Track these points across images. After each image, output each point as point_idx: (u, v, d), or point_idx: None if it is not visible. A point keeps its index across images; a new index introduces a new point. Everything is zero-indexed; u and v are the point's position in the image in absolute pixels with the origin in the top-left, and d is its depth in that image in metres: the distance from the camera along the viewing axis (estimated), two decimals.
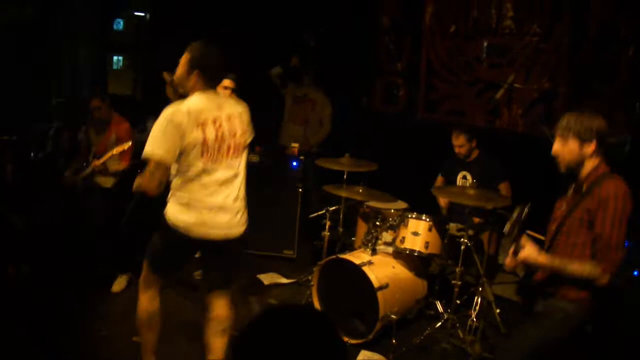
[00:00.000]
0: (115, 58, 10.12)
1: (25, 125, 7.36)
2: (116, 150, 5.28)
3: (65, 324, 4.84)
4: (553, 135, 3.36)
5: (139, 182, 3.38)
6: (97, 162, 5.38)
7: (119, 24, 9.83)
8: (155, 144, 3.33)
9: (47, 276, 5.66)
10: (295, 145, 6.73)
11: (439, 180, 6.08)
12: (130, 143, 5.24)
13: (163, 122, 3.34)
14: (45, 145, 7.12)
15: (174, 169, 3.49)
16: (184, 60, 3.57)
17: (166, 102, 3.80)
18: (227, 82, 5.35)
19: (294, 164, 6.64)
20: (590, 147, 3.17)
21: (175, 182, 3.55)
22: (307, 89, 7.26)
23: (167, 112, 3.37)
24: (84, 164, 5.67)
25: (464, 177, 5.77)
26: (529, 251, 3.17)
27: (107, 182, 5.65)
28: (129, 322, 4.43)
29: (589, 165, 3.22)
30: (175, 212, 3.55)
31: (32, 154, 7.01)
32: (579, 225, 3.19)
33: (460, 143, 5.67)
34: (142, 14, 9.85)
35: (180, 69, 3.58)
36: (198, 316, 5.07)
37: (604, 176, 3.17)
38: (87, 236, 5.64)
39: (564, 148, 3.24)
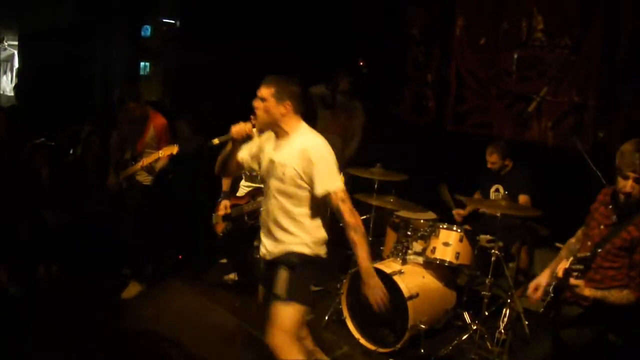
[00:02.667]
0: (142, 64, 10.21)
1: (58, 127, 7.48)
2: (163, 153, 5.31)
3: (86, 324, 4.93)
4: (585, 148, 3.42)
5: (354, 222, 3.42)
6: (146, 162, 5.40)
7: (147, 31, 9.91)
8: (337, 175, 3.50)
9: (73, 277, 5.74)
10: None
11: (477, 194, 6.10)
12: (177, 148, 5.26)
13: (329, 155, 3.52)
14: (77, 148, 7.22)
15: (304, 206, 3.57)
16: (268, 93, 3.51)
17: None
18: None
19: None
20: None
21: (314, 221, 3.62)
22: (342, 99, 7.27)
23: (324, 146, 3.55)
24: (126, 163, 5.72)
25: (497, 191, 5.78)
26: (580, 286, 3.15)
27: (147, 179, 5.70)
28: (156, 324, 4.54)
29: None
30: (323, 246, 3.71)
31: (65, 156, 7.13)
32: (618, 250, 3.24)
33: (493, 160, 5.70)
34: (172, 21, 9.93)
35: (270, 103, 3.51)
36: (228, 319, 5.16)
37: None
38: (120, 235, 5.71)
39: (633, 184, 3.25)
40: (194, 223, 6.22)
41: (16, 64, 10.64)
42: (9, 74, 10.74)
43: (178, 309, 5.40)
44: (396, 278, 4.77)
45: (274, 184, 3.57)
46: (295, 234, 3.58)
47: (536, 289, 3.50)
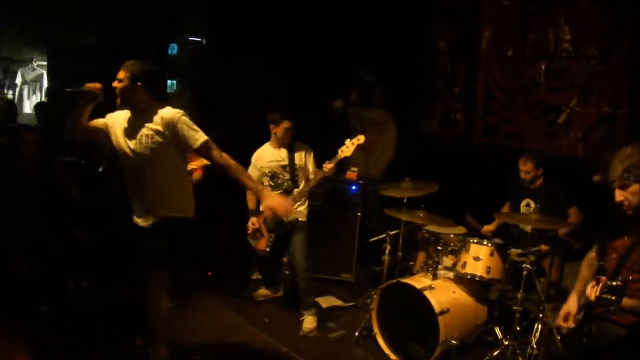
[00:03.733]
0: (169, 82, 10.28)
1: (88, 145, 7.54)
2: (196, 164, 5.36)
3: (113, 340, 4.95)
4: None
5: None
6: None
7: (174, 49, 9.99)
8: None
9: (102, 292, 5.77)
10: (355, 169, 6.75)
11: (506, 207, 6.05)
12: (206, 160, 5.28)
13: None
14: (101, 164, 7.28)
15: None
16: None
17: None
18: (287, 124, 5.58)
19: (353, 188, 6.66)
20: None
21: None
22: (375, 113, 7.28)
23: None
24: None
25: (527, 205, 5.72)
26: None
27: None
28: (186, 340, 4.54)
29: None
30: None
31: (92, 173, 7.18)
32: None
33: (527, 169, 5.64)
34: (198, 39, 10.00)
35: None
36: (257, 335, 5.16)
37: None
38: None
39: (627, 194, 3.24)
40: (224, 239, 6.22)
41: (45, 84, 10.78)
42: (38, 93, 10.89)
43: (207, 325, 5.40)
44: (427, 293, 4.73)
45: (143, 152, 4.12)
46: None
47: (566, 318, 3.49)
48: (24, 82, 10.89)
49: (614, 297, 3.01)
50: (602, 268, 3.40)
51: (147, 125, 4.07)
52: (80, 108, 4.10)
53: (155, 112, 4.09)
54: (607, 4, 6.11)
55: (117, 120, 4.24)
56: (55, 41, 9.60)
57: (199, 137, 4.06)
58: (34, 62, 10.77)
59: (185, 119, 4.08)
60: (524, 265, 4.82)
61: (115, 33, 9.30)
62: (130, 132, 4.13)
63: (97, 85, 4.07)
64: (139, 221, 4.31)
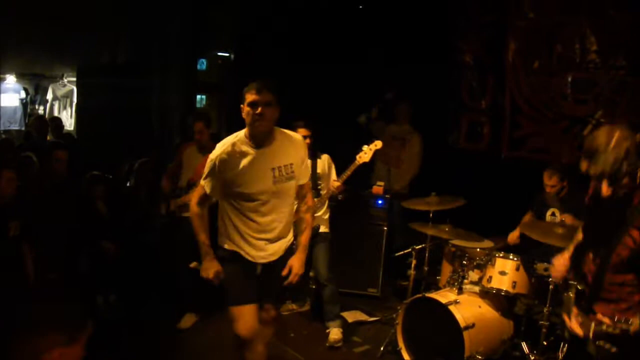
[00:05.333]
0: (198, 97, 10.37)
1: (116, 160, 7.66)
2: None
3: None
4: None
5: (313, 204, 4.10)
6: None
7: (202, 64, 10.08)
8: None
9: (130, 307, 5.82)
10: (381, 183, 6.75)
11: (528, 216, 5.99)
12: None
13: None
14: (129, 179, 7.37)
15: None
16: (272, 98, 3.70)
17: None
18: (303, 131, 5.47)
19: (379, 202, 6.66)
20: None
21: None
22: (398, 128, 7.31)
23: None
24: (180, 191, 5.78)
25: (553, 214, 5.68)
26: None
27: None
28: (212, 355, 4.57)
29: None
30: None
31: (122, 188, 7.28)
32: (627, 262, 2.95)
33: (552, 183, 5.61)
34: (227, 54, 10.09)
35: (274, 108, 3.72)
36: (282, 350, 5.17)
37: None
38: (176, 265, 5.76)
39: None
40: None
41: (75, 100, 10.94)
42: (68, 109, 11.03)
43: (232, 340, 5.41)
44: (452, 308, 4.71)
45: (284, 185, 3.78)
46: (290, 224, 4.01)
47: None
48: (54, 98, 11.04)
49: (614, 349, 2.78)
50: (580, 273, 3.24)
51: (280, 154, 3.77)
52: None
53: (282, 138, 3.83)
54: (635, 13, 6.05)
55: (225, 160, 3.77)
56: (85, 58, 9.74)
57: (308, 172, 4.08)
58: (64, 78, 10.92)
59: None
60: (550, 279, 4.78)
61: (144, 49, 9.42)
62: (262, 164, 3.72)
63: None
64: (260, 257, 3.90)
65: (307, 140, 5.45)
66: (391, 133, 7.29)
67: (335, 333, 5.44)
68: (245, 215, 3.78)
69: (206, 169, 3.82)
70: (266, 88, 3.61)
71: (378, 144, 5.35)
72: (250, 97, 3.59)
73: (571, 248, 3.49)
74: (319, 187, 5.57)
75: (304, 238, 3.97)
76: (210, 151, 5.68)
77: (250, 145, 3.70)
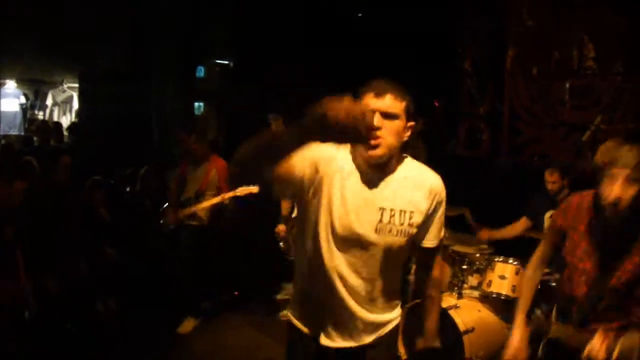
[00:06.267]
0: (197, 104, 10.40)
1: (116, 166, 7.68)
2: (241, 192, 5.33)
3: None
4: None
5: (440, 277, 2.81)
6: (225, 196, 5.47)
7: (201, 71, 10.11)
8: None
9: (130, 312, 5.83)
10: None
11: (522, 221, 6.00)
12: (257, 188, 5.05)
13: None
14: (135, 185, 7.39)
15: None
16: (401, 108, 2.38)
17: None
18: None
19: None
20: None
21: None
22: (412, 139, 7.25)
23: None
24: (188, 201, 5.81)
25: (552, 217, 5.69)
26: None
27: (205, 217, 5.77)
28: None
29: None
30: None
31: (123, 193, 7.30)
32: (626, 284, 2.70)
33: (554, 179, 5.63)
34: (225, 62, 10.11)
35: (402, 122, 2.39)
36: (282, 356, 5.16)
37: None
38: (177, 271, 5.78)
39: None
40: (250, 259, 6.28)
41: (75, 105, 10.98)
42: (68, 115, 11.08)
43: (233, 345, 5.44)
44: (452, 312, 4.73)
45: (391, 240, 2.43)
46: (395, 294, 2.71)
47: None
48: (54, 104, 11.09)
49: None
50: (570, 298, 2.91)
51: (406, 192, 2.45)
52: (293, 139, 2.10)
53: (412, 175, 2.50)
54: (630, 18, 6.10)
55: (335, 170, 2.42)
56: (86, 63, 9.78)
57: (441, 234, 2.64)
58: (64, 84, 10.97)
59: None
60: (551, 283, 4.80)
61: (144, 55, 9.47)
62: (368, 200, 2.42)
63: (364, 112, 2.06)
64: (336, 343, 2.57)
65: None
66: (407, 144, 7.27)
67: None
68: None
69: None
70: (393, 91, 2.39)
71: None
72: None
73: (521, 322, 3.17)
74: None
75: (431, 320, 2.94)
76: (201, 160, 5.77)
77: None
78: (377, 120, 2.25)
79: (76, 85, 10.87)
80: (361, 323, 2.53)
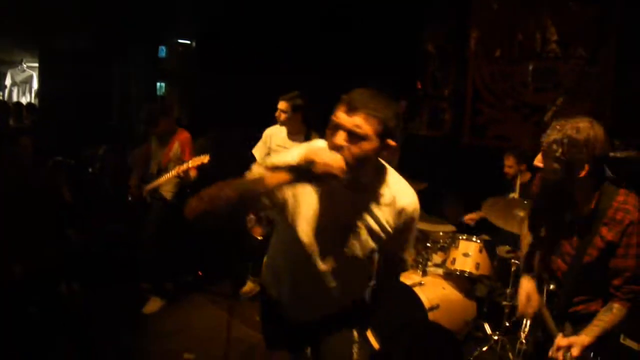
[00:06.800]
0: (158, 84, 10.32)
1: (77, 146, 7.59)
2: (192, 163, 5.22)
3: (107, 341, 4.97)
4: None
5: None
6: (179, 170, 5.27)
7: (163, 51, 10.02)
8: None
9: (94, 293, 5.78)
10: None
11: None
12: (208, 157, 5.17)
13: None
14: (95, 166, 7.31)
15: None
16: (371, 129, 2.27)
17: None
18: (282, 104, 5.29)
19: None
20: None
21: None
22: None
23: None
24: (151, 176, 5.74)
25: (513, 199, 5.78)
26: (577, 345, 2.76)
27: (169, 193, 5.70)
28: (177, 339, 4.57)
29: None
30: None
31: (83, 174, 7.22)
32: (598, 260, 2.83)
33: (509, 163, 5.74)
34: (187, 42, 10.04)
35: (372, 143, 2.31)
36: (248, 334, 5.18)
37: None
38: (142, 250, 5.74)
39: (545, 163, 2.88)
40: (214, 238, 6.25)
41: (35, 85, 10.79)
42: (27, 95, 10.88)
43: (198, 324, 5.43)
44: (417, 289, 4.78)
45: (353, 257, 2.54)
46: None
47: (529, 299, 3.12)
48: (13, 84, 10.89)
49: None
50: (551, 272, 3.08)
51: (375, 211, 2.49)
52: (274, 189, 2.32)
53: (386, 194, 2.51)
54: (595, 6, 6.18)
55: (308, 187, 2.50)
56: (46, 43, 9.62)
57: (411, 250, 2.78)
58: (23, 64, 10.77)
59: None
60: (513, 261, 4.88)
61: (106, 35, 9.34)
62: (340, 215, 2.50)
63: (339, 162, 2.18)
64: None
65: (282, 117, 5.29)
66: None
67: None
68: None
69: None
70: (364, 106, 2.25)
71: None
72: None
73: (527, 282, 3.21)
74: None
75: None
76: (166, 137, 5.69)
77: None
78: (339, 138, 2.24)
79: (36, 65, 10.69)
80: (325, 319, 2.75)
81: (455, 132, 7.69)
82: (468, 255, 5.08)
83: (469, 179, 6.68)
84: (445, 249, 5.34)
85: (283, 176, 2.16)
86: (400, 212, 2.49)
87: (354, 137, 2.22)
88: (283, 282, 2.75)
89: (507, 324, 4.96)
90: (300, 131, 5.35)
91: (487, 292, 5.50)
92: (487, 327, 5.17)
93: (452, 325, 4.86)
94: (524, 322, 4.94)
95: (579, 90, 6.33)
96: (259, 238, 5.53)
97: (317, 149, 2.23)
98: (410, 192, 2.55)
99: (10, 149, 5.76)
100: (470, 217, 6.03)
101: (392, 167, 2.57)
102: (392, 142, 2.33)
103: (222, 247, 6.20)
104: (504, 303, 4.91)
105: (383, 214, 2.48)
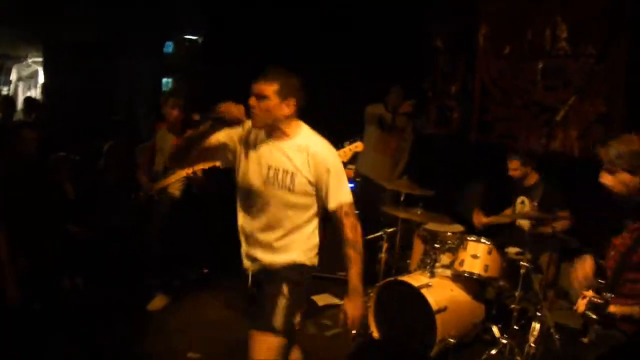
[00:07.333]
0: (164, 80, 10.28)
1: (82, 141, 7.54)
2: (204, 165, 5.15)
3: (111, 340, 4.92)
4: None
5: (354, 238, 3.20)
6: (190, 170, 5.23)
7: (169, 47, 9.98)
8: (347, 186, 3.30)
9: (98, 289, 5.76)
10: (352, 167, 6.71)
11: (508, 211, 6.01)
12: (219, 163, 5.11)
13: (341, 164, 3.29)
14: (99, 161, 7.27)
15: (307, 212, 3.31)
16: (271, 90, 3.07)
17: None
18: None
19: (350, 186, 6.61)
20: None
21: (312, 226, 3.35)
22: (403, 120, 7.13)
23: (335, 152, 3.32)
24: (157, 174, 5.69)
25: (522, 202, 5.70)
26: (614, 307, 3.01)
27: (177, 192, 5.64)
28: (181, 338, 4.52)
29: None
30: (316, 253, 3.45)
31: (88, 169, 7.17)
32: None
33: (514, 167, 5.64)
34: (194, 37, 9.99)
35: (272, 102, 3.08)
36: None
37: None
38: (147, 247, 5.69)
39: (613, 179, 3.14)
40: (220, 236, 6.20)
41: (40, 80, 10.76)
42: (33, 90, 10.86)
43: (203, 322, 5.40)
44: (424, 291, 4.72)
45: (276, 192, 3.17)
46: (296, 241, 3.30)
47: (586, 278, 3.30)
48: (19, 79, 10.87)
49: (594, 316, 2.99)
50: (602, 268, 3.29)
51: (289, 154, 3.20)
52: (203, 134, 3.17)
53: (299, 142, 3.22)
54: (605, 1, 6.10)
55: (245, 139, 3.32)
56: (51, 38, 9.58)
57: (341, 198, 3.22)
58: (28, 59, 10.74)
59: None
60: (522, 263, 4.81)
61: (111, 30, 9.29)
62: (262, 156, 3.25)
63: (240, 111, 3.07)
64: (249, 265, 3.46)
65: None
66: (398, 126, 7.16)
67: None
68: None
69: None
70: (264, 77, 3.12)
71: (359, 146, 5.21)
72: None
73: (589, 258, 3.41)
74: None
75: (352, 277, 3.22)
76: (179, 132, 5.62)
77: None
78: (251, 100, 3.11)
79: (41, 59, 10.66)
80: (263, 258, 3.33)
81: (463, 130, 7.62)
82: (477, 256, 5.01)
83: (478, 178, 6.63)
84: (453, 250, 5.26)
85: (208, 123, 3.10)
86: (313, 157, 3.16)
87: (260, 98, 3.09)
88: (242, 234, 3.42)
89: (516, 327, 4.89)
90: None
91: (495, 294, 5.44)
92: (495, 329, 5.09)
93: (460, 328, 4.81)
94: (533, 325, 4.90)
95: (588, 88, 6.25)
96: None
97: (228, 103, 3.06)
98: (322, 142, 3.26)
99: (14, 143, 5.72)
100: (480, 223, 5.95)
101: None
102: (291, 101, 3.13)
103: (226, 243, 6.15)
104: (513, 306, 4.84)
105: (296, 158, 3.17)
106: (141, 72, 9.74)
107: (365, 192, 6.73)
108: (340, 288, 6.28)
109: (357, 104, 7.23)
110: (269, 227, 3.27)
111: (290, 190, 3.17)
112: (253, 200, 3.26)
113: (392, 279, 5.01)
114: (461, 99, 7.67)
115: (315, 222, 3.36)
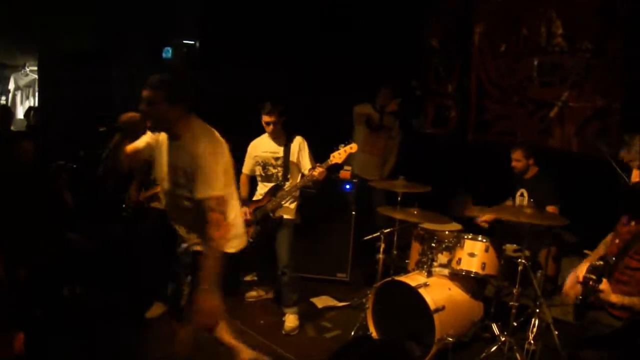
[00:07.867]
0: None
1: (80, 149, 7.53)
2: None
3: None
4: (611, 153, 3.30)
5: (212, 235, 3.36)
6: None
7: (168, 52, 9.95)
8: (216, 181, 3.47)
9: (97, 297, 5.75)
10: (349, 168, 6.70)
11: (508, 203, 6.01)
12: None
13: (213, 157, 3.46)
14: (98, 169, 7.25)
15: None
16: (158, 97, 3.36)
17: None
18: (266, 118, 5.35)
19: (347, 187, 6.63)
20: None
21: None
22: (391, 120, 7.23)
23: (211, 147, 3.47)
24: (150, 183, 5.69)
25: (522, 195, 5.71)
26: (606, 290, 3.09)
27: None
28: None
29: None
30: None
31: (86, 178, 7.16)
32: None
33: (517, 157, 5.67)
34: (192, 42, 9.97)
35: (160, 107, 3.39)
36: (251, 338, 5.12)
37: None
38: (144, 255, 5.69)
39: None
40: None
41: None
42: (31, 99, 10.87)
43: None
44: (422, 291, 4.70)
45: (175, 190, 3.57)
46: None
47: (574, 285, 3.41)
48: (16, 88, 10.88)
49: (593, 277, 3.06)
50: (603, 266, 3.32)
51: (181, 153, 3.51)
52: (119, 142, 3.67)
53: (184, 139, 3.49)
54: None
55: (157, 144, 3.72)
56: (47, 45, 9.58)
57: (208, 191, 3.40)
58: (26, 68, 10.74)
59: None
60: (520, 260, 4.79)
61: (108, 37, 9.29)
62: (165, 160, 3.64)
63: (135, 117, 3.53)
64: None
65: (271, 127, 5.36)
66: (386, 125, 7.20)
67: (290, 320, 5.40)
68: None
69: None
70: (150, 85, 3.38)
71: (354, 147, 5.21)
72: None
73: (584, 266, 3.43)
74: (288, 174, 5.43)
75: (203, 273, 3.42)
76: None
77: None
78: (141, 105, 3.37)
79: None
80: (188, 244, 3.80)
81: (461, 129, 7.61)
82: (474, 255, 5.00)
83: (475, 176, 6.61)
84: (450, 249, 5.24)
85: (118, 135, 3.58)
86: (191, 149, 3.39)
87: (149, 103, 3.34)
88: None
89: (515, 324, 4.86)
90: (282, 133, 5.45)
91: (494, 292, 5.42)
92: (494, 327, 5.07)
93: (458, 327, 4.80)
94: (532, 322, 4.88)
95: (585, 84, 6.24)
96: (249, 240, 5.47)
97: (125, 114, 3.55)
98: (203, 137, 3.44)
99: (11, 153, 5.72)
100: (484, 219, 5.94)
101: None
102: (179, 103, 3.39)
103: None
104: (512, 303, 4.82)
105: (185, 155, 3.42)
106: (138, 78, 9.72)
107: (362, 192, 6.72)
108: (339, 290, 6.31)
109: (351, 104, 7.26)
110: (184, 226, 3.82)
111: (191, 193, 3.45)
112: (167, 196, 3.72)
113: (389, 279, 5.00)
114: (458, 98, 7.65)
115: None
